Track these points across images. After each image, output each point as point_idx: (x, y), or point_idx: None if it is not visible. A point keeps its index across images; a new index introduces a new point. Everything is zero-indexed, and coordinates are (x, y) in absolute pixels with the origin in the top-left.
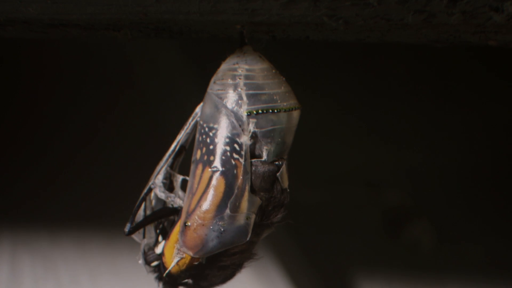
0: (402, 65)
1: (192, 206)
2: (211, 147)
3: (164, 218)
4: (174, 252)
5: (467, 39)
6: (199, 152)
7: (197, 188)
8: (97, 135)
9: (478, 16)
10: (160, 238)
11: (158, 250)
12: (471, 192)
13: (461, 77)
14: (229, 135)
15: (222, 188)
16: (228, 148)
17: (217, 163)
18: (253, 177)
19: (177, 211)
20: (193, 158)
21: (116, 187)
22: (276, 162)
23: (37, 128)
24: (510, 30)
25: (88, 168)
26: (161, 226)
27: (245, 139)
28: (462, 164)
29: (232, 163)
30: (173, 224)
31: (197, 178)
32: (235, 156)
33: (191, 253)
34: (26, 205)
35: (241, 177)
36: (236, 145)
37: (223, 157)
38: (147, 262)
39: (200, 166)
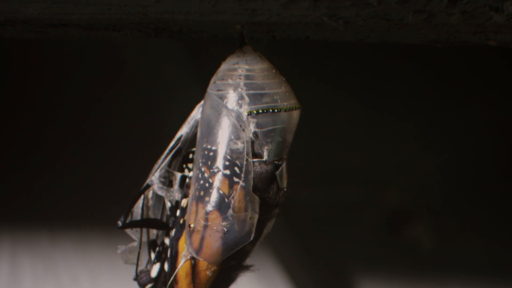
0: (402, 65)
1: (195, 207)
2: (210, 162)
3: (155, 229)
4: (182, 253)
5: (467, 39)
6: (202, 165)
7: (200, 191)
8: (97, 135)
9: (478, 16)
10: (153, 258)
11: (153, 273)
12: (472, 192)
13: (461, 77)
14: (228, 157)
15: (225, 189)
16: (228, 172)
17: (219, 165)
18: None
19: (167, 227)
20: (195, 157)
21: (116, 187)
22: (276, 162)
23: (36, 129)
24: (510, 30)
25: (88, 168)
26: (157, 249)
27: (246, 138)
28: (462, 164)
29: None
30: (171, 250)
31: (200, 180)
32: (235, 179)
33: (197, 255)
34: (26, 205)
35: (243, 178)
36: (236, 168)
37: (226, 162)
38: (141, 285)
39: (206, 173)
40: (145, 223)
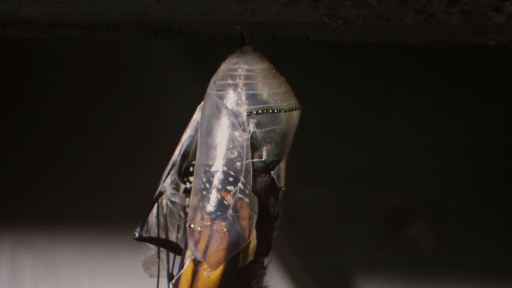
0: (402, 65)
1: (195, 209)
2: (209, 176)
3: (170, 252)
4: (187, 253)
5: (467, 39)
6: (203, 175)
7: (199, 202)
8: (97, 135)
9: (478, 16)
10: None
11: None
12: (472, 193)
13: (461, 77)
14: (226, 169)
15: (225, 193)
16: (227, 182)
17: (218, 168)
18: None
19: (180, 251)
20: (196, 166)
21: (116, 187)
22: (271, 174)
23: (37, 128)
24: (510, 30)
25: (88, 168)
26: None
27: (245, 139)
28: (462, 164)
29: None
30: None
31: (201, 186)
32: (239, 195)
33: (200, 255)
34: (26, 205)
35: (243, 180)
36: (234, 178)
37: (225, 176)
38: None
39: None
40: (162, 242)
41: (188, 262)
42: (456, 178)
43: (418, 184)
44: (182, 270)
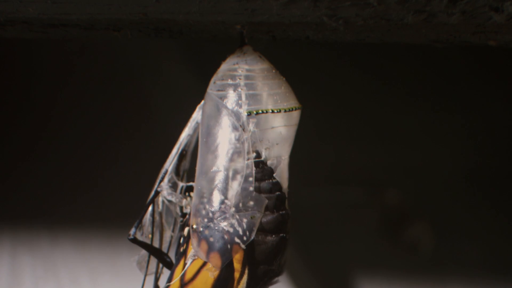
0: (402, 65)
1: (197, 209)
2: (209, 176)
3: (160, 262)
4: (190, 253)
5: (467, 39)
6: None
7: (202, 193)
8: (97, 136)
9: (478, 16)
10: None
11: None
12: (471, 192)
13: (461, 77)
14: (226, 170)
15: (226, 193)
16: (233, 186)
17: (220, 168)
18: (255, 252)
19: (170, 266)
20: (197, 161)
21: (116, 187)
22: (282, 235)
23: (37, 129)
24: (510, 30)
25: (88, 168)
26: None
27: (245, 138)
28: (461, 164)
29: None
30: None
31: (202, 187)
32: (236, 241)
33: (202, 255)
34: (26, 205)
35: (243, 180)
36: (235, 183)
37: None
38: None
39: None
40: (154, 251)
41: (190, 263)
42: (456, 178)
43: (418, 184)
44: (183, 272)
